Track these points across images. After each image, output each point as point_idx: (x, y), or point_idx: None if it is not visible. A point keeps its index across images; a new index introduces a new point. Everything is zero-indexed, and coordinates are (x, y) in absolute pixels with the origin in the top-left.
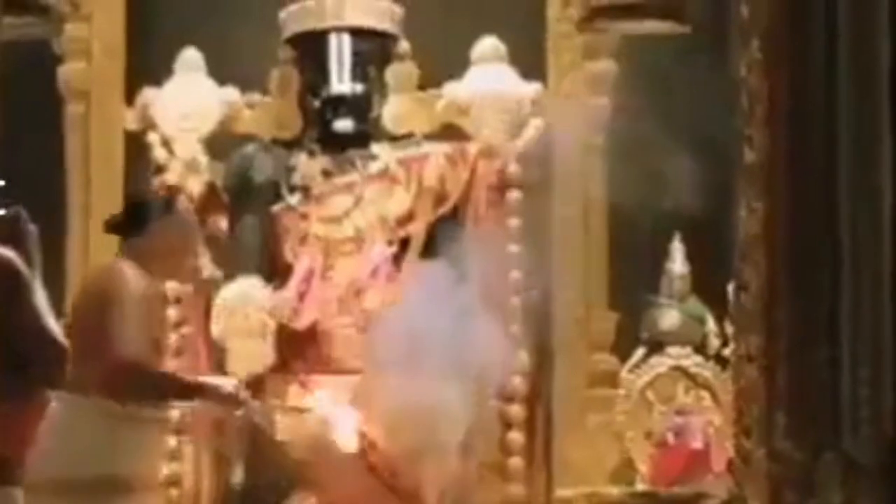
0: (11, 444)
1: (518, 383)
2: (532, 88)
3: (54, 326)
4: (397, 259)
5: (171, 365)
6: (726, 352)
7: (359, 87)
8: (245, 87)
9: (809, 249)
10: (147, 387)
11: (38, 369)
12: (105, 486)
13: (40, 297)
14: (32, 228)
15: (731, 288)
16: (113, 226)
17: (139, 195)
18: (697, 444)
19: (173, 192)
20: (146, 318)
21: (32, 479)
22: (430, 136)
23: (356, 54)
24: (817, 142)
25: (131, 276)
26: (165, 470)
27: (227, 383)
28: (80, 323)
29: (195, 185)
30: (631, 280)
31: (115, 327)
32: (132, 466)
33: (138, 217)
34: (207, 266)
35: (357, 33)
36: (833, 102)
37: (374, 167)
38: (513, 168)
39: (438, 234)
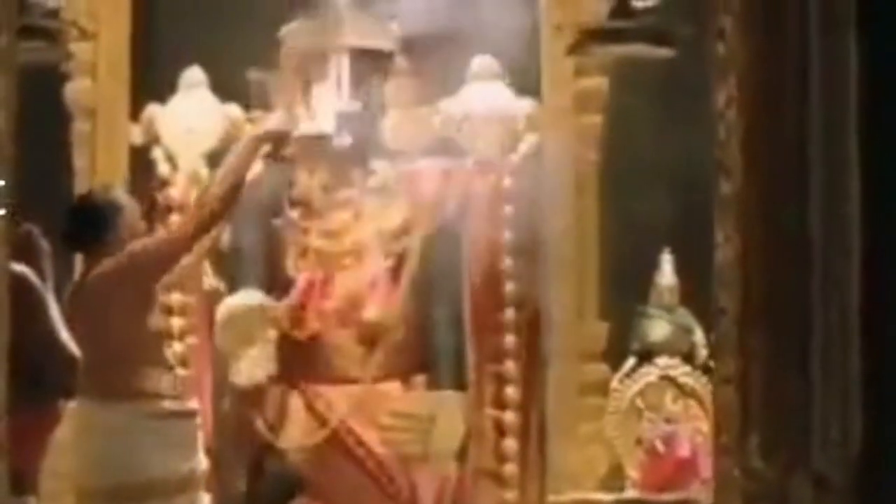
0: (26, 454)
1: (512, 392)
2: (525, 104)
3: (67, 339)
4: (394, 272)
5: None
6: (713, 362)
7: (357, 104)
8: (247, 103)
9: (782, 279)
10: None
11: (51, 381)
12: (148, 489)
13: (53, 311)
14: (45, 245)
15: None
16: (76, 243)
17: (85, 202)
18: (685, 451)
19: (107, 188)
20: None
21: (83, 486)
22: (426, 152)
23: (355, 71)
24: (790, 175)
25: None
26: None
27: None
28: (106, 326)
29: None
30: (622, 291)
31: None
32: (165, 465)
33: (99, 227)
34: (210, 278)
35: (356, 51)
36: (805, 138)
37: (373, 182)
38: (507, 182)
39: (434, 247)
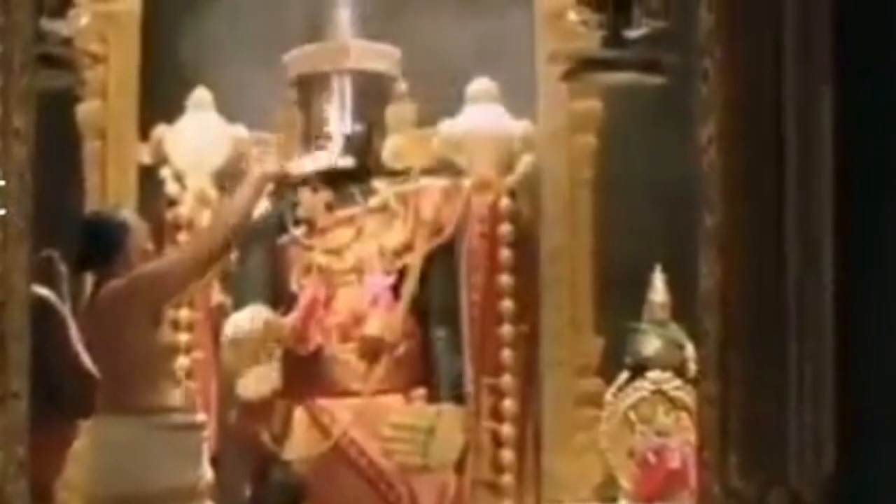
0: (46, 471)
1: (509, 405)
2: (521, 126)
3: (86, 359)
4: (395, 288)
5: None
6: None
7: (359, 126)
8: (252, 124)
9: (760, 309)
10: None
11: (70, 400)
12: (155, 499)
13: (73, 333)
14: (63, 269)
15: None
16: (86, 263)
17: (95, 223)
18: (676, 463)
19: (115, 209)
20: None
21: (92, 496)
22: (426, 172)
23: (357, 95)
24: (767, 211)
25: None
26: None
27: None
28: (117, 343)
29: (206, 217)
30: (616, 307)
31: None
32: (174, 476)
33: (109, 247)
34: (217, 293)
35: (358, 75)
36: (781, 178)
37: (374, 201)
38: (504, 202)
39: (434, 264)
